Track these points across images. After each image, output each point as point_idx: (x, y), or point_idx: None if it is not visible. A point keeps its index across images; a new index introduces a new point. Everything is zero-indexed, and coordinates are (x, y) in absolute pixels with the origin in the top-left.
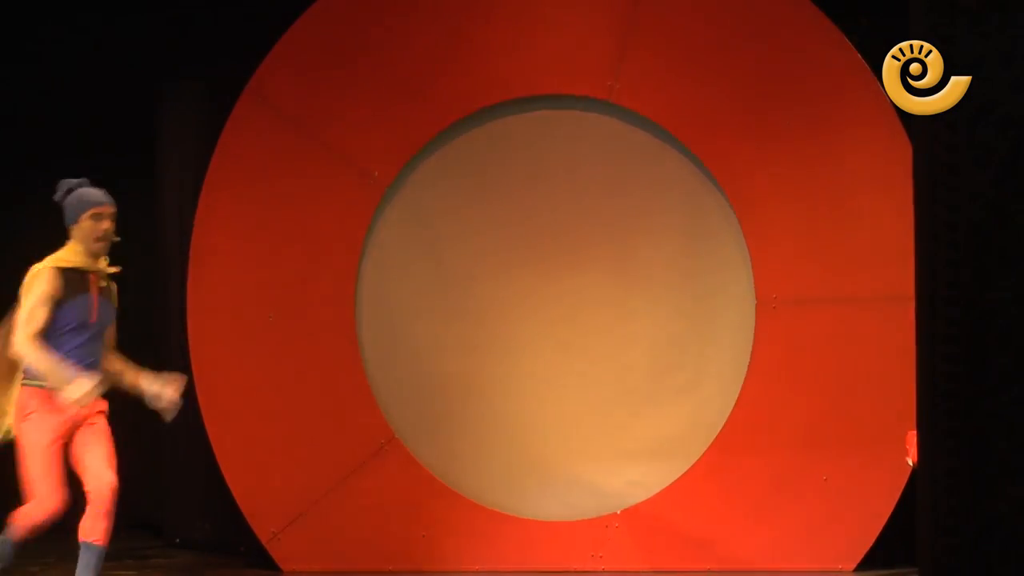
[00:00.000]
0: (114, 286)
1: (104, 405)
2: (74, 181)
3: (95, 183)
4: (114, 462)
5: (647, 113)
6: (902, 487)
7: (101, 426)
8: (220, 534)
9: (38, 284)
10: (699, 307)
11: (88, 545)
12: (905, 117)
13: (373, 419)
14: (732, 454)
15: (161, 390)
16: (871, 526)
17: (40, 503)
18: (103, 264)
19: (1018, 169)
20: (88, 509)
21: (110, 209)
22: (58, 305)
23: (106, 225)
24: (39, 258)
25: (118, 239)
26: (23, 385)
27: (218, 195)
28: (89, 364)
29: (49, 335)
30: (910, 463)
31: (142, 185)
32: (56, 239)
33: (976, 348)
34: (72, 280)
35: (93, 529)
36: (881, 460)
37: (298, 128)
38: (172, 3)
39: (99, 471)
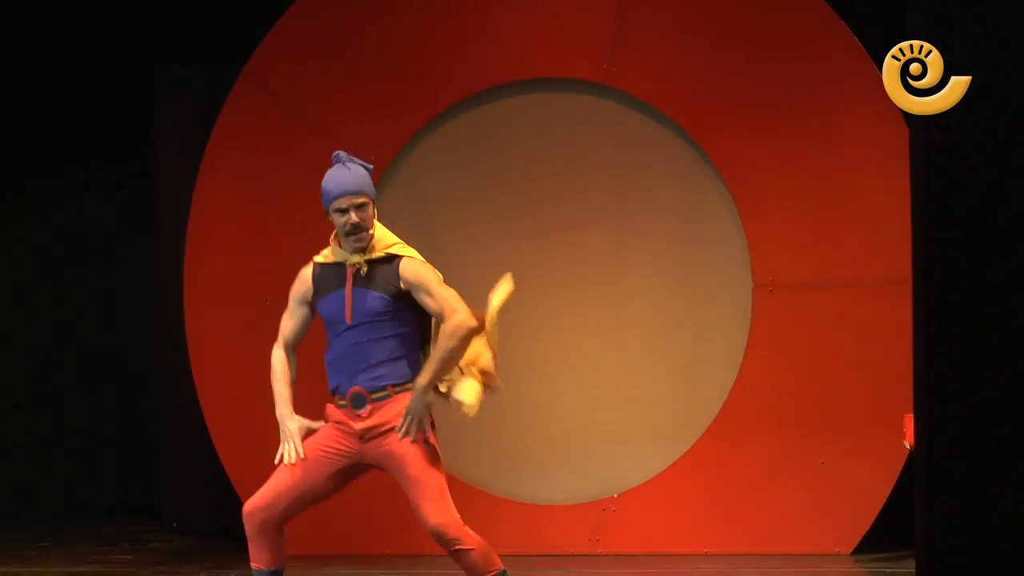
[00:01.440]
0: (399, 264)
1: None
2: (340, 155)
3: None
4: (436, 492)
5: (643, 96)
6: (899, 470)
7: (407, 448)
8: (217, 518)
9: (295, 284)
10: (696, 290)
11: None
12: None
13: None
14: (729, 437)
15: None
16: (868, 509)
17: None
18: (362, 257)
19: (1015, 152)
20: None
21: (357, 201)
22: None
23: (353, 219)
24: (40, 242)
25: (368, 231)
26: None
27: (214, 180)
28: (355, 367)
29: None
30: (907, 446)
31: (139, 170)
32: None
33: (973, 332)
34: (325, 276)
35: (465, 570)
36: (878, 443)
37: (295, 112)
38: None
39: (419, 509)
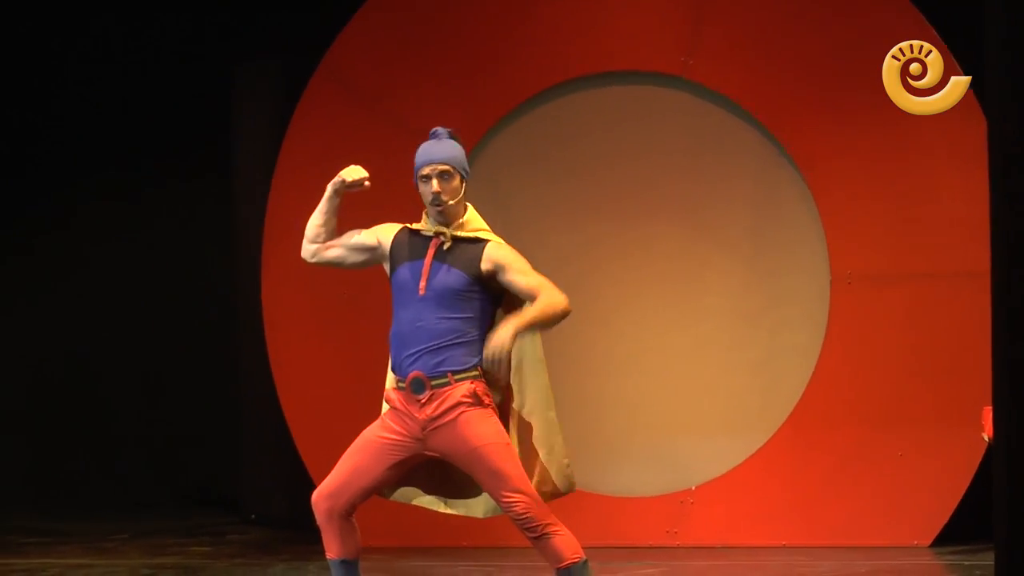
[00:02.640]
0: (485, 249)
1: (471, 392)
2: (440, 131)
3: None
4: (509, 476)
5: (720, 88)
6: (978, 463)
7: (472, 435)
8: (295, 511)
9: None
10: (773, 282)
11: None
12: (979, 92)
13: None
14: (806, 430)
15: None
16: (947, 502)
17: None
18: (447, 229)
19: None
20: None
21: (439, 168)
22: (391, 271)
23: (435, 188)
24: (123, 235)
25: (449, 202)
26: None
27: (292, 172)
28: (419, 343)
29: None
30: (986, 439)
31: (219, 163)
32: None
33: None
34: (410, 242)
35: (544, 557)
36: (957, 436)
37: (370, 105)
38: None
39: (494, 496)
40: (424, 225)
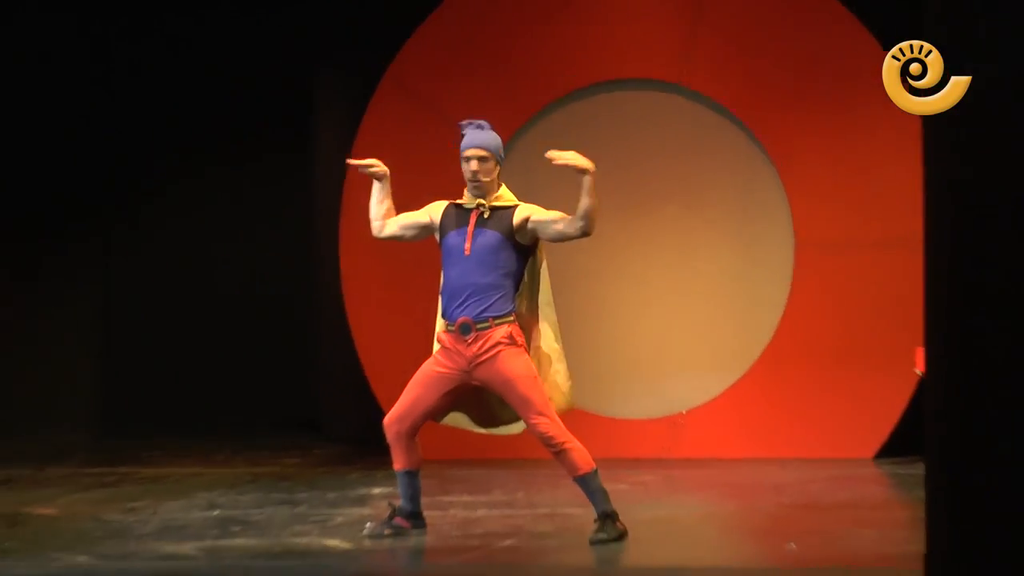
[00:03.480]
0: (515, 212)
1: (507, 335)
2: (475, 122)
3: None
4: (535, 401)
5: (709, 93)
6: (912, 391)
7: (505, 367)
8: (365, 431)
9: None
10: (750, 248)
11: (575, 480)
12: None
13: None
14: (775, 366)
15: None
16: (887, 423)
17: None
18: (486, 201)
19: (1007, 129)
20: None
21: (480, 153)
22: (441, 239)
23: (474, 168)
24: (225, 215)
25: (483, 179)
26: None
27: (364, 156)
28: (467, 294)
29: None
30: (918, 373)
31: (302, 156)
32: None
33: (973, 281)
34: (454, 215)
35: (564, 468)
36: (895, 370)
37: (427, 107)
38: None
39: (524, 418)
40: (466, 199)
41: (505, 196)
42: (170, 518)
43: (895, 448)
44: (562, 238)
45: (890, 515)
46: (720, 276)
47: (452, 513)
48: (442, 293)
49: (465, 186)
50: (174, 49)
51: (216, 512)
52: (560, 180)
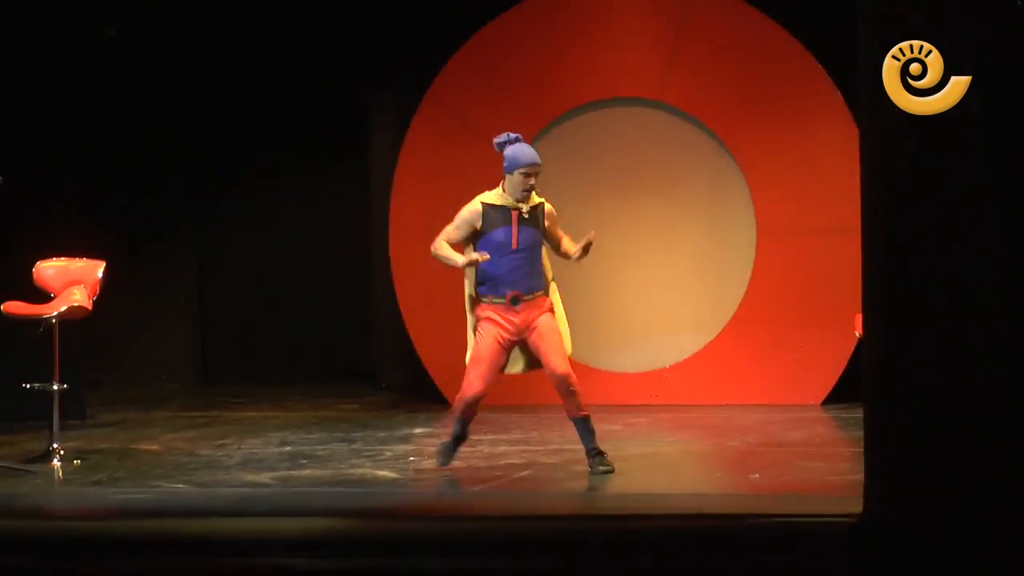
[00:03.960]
0: (543, 209)
1: (547, 304)
2: (513, 135)
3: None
4: (561, 353)
5: (685, 108)
6: (852, 349)
7: (544, 326)
8: (410, 380)
9: (461, 213)
10: (719, 233)
11: (572, 420)
12: (852, 106)
13: None
14: (741, 329)
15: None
16: (832, 375)
17: (461, 389)
18: (524, 205)
19: (931, 133)
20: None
21: (538, 169)
22: (481, 234)
23: (532, 182)
24: (295, 210)
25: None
26: (475, 298)
27: (407, 169)
28: (516, 277)
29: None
30: (857, 334)
31: (359, 164)
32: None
33: (899, 259)
34: (494, 215)
35: (567, 407)
36: (839, 332)
37: (461, 121)
38: (383, 25)
39: (550, 364)
40: (503, 200)
41: (534, 196)
42: (250, 453)
43: (839, 395)
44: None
45: (835, 451)
46: (695, 256)
47: (479, 449)
48: (487, 277)
49: (500, 184)
50: (260, 66)
51: (288, 448)
52: (565, 175)
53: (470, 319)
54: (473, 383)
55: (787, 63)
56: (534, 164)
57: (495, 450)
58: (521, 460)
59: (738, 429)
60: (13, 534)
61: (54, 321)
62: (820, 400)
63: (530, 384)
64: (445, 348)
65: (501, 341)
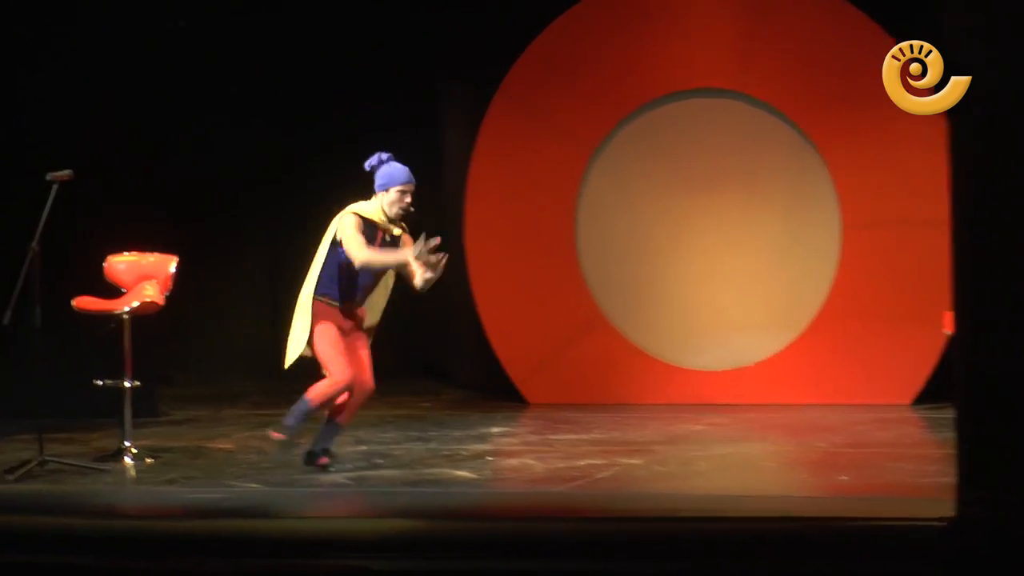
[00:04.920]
0: (403, 240)
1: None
2: (385, 155)
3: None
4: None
5: (764, 97)
6: (941, 348)
7: (364, 340)
8: (487, 378)
9: (351, 223)
10: (803, 226)
11: (332, 421)
12: None
13: (587, 303)
14: (826, 327)
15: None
16: (922, 374)
17: (333, 378)
18: (393, 227)
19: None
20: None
21: (414, 188)
22: (340, 244)
23: (409, 200)
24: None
25: (412, 210)
26: (317, 300)
27: (482, 160)
28: (360, 297)
29: (337, 269)
30: (947, 332)
31: (430, 154)
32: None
33: (988, 254)
34: (367, 230)
35: (342, 415)
36: (927, 330)
37: (533, 115)
38: (454, 15)
39: (368, 378)
40: (379, 219)
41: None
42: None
43: (929, 395)
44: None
45: (925, 452)
46: (777, 250)
47: (559, 449)
48: (334, 281)
49: (373, 199)
50: (330, 58)
51: (363, 447)
52: (641, 169)
53: (307, 320)
54: (342, 371)
55: (870, 49)
56: (411, 182)
57: (575, 450)
58: (602, 460)
59: (824, 429)
60: (86, 533)
61: (125, 317)
62: (910, 400)
63: (611, 382)
64: (521, 344)
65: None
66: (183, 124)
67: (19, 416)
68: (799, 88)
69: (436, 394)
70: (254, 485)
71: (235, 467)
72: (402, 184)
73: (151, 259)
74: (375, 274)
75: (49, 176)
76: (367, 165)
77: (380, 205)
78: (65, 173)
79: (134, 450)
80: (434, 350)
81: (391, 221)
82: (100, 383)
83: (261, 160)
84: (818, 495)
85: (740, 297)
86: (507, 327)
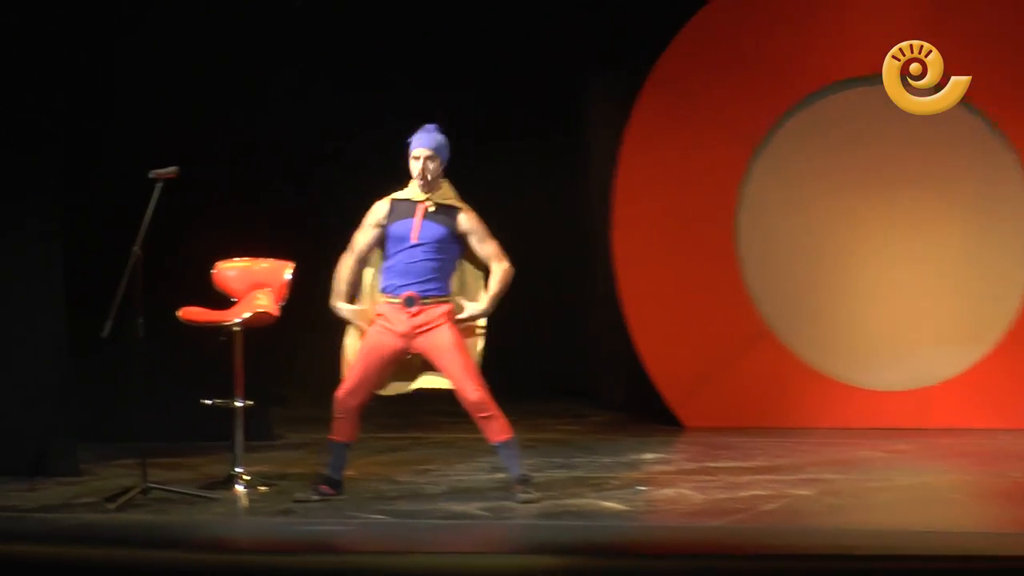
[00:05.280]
0: (459, 214)
1: (445, 310)
2: (428, 127)
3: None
4: (471, 374)
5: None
6: None
7: (442, 339)
8: (638, 399)
9: (367, 214)
10: (994, 229)
11: (494, 445)
12: None
13: (750, 315)
14: (1018, 345)
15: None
16: None
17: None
18: (436, 197)
19: None
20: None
21: (426, 153)
22: (386, 232)
23: (421, 166)
24: (489, 211)
25: (428, 178)
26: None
27: (632, 154)
28: (413, 272)
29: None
30: None
31: (573, 151)
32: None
33: None
34: (394, 210)
35: (488, 434)
36: None
37: (688, 106)
38: (599, 9)
39: (461, 390)
40: (412, 193)
41: (447, 192)
42: (457, 480)
43: None
44: (482, 259)
45: None
46: (965, 257)
47: (720, 479)
48: (385, 272)
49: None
50: (467, 48)
51: (500, 475)
52: (808, 165)
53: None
54: (345, 382)
55: None
56: (419, 147)
57: (738, 479)
58: (768, 491)
59: (1018, 457)
60: (193, 569)
61: (237, 329)
62: None
63: (778, 403)
64: (677, 361)
65: (388, 343)
66: (303, 118)
67: (120, 439)
68: (988, 74)
69: (581, 416)
70: (379, 516)
71: (357, 496)
72: (412, 149)
73: (264, 265)
74: (414, 252)
75: (152, 174)
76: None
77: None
78: (170, 170)
79: (246, 477)
80: (579, 367)
81: (431, 191)
82: (209, 402)
83: (388, 159)
84: (1011, 531)
85: (922, 308)
86: (661, 342)
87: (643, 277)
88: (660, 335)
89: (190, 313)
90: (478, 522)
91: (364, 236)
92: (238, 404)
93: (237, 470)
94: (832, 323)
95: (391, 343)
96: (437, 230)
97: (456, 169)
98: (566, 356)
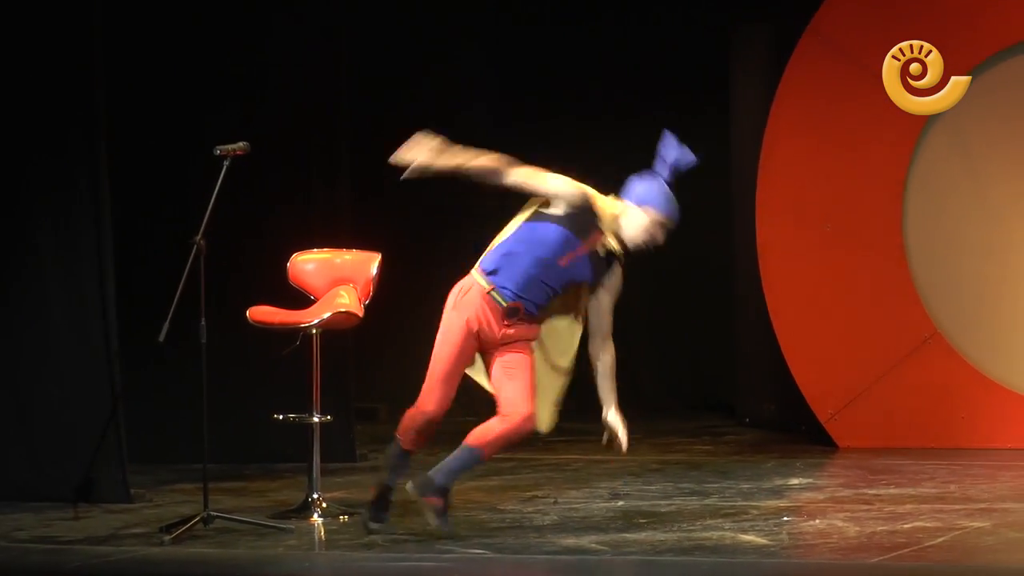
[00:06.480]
0: (616, 268)
1: (534, 333)
2: (684, 162)
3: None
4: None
5: None
6: None
7: (518, 358)
8: (784, 415)
9: (558, 177)
10: None
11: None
12: None
13: (918, 315)
14: None
15: (614, 430)
16: None
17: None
18: (613, 243)
19: None
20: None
21: (671, 225)
22: (557, 220)
23: (660, 239)
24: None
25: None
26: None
27: (782, 124)
28: (535, 290)
29: (523, 246)
30: None
31: (718, 117)
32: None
33: None
34: (581, 217)
35: (475, 431)
36: None
37: (853, 61)
38: None
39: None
40: (606, 223)
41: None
42: (570, 509)
43: None
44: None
45: None
46: None
47: (877, 507)
48: (507, 261)
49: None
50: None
51: (620, 503)
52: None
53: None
54: (427, 395)
55: None
56: (673, 217)
57: (899, 509)
58: (935, 523)
59: None
60: None
61: (315, 332)
62: None
63: (948, 420)
64: (830, 372)
65: (472, 343)
66: (399, 88)
67: (178, 460)
68: None
69: (718, 435)
70: (478, 551)
71: (455, 528)
72: (667, 217)
73: (347, 257)
74: (554, 273)
75: (218, 150)
76: (672, 160)
77: (620, 214)
78: (239, 146)
79: (324, 504)
80: (715, 379)
81: (618, 239)
82: (281, 418)
83: (502, 130)
84: None
85: None
86: (811, 349)
87: (791, 271)
88: (811, 341)
89: (260, 314)
90: (594, 558)
91: (545, 182)
92: (315, 419)
93: (314, 496)
94: (1015, 326)
95: (472, 346)
96: (587, 272)
97: (580, 145)
98: (702, 365)
